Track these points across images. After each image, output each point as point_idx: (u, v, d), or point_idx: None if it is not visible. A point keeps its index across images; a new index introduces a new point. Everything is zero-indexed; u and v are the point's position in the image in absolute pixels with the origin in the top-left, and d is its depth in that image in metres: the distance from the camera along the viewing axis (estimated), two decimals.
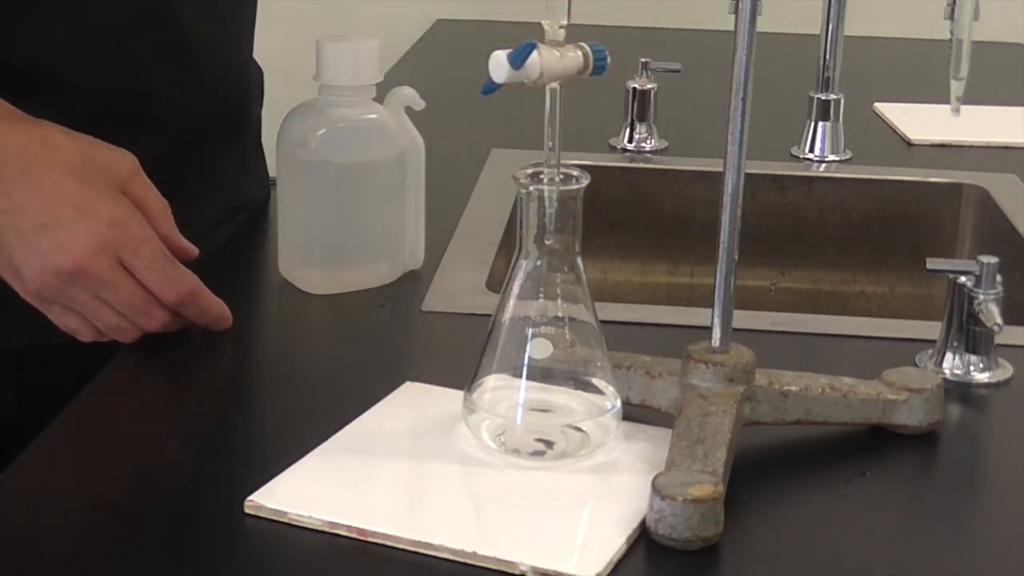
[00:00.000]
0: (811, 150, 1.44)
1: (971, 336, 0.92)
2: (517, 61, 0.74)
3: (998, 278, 0.91)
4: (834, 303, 1.40)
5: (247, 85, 1.16)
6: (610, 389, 0.80)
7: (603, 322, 0.81)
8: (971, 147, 1.49)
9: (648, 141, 1.45)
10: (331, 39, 1.01)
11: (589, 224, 0.81)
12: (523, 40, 0.75)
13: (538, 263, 0.79)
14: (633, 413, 0.82)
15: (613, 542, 0.71)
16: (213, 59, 1.07)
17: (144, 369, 0.93)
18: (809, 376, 0.83)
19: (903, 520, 0.77)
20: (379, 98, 1.02)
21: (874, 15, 2.07)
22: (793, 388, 0.82)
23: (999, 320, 0.90)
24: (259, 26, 1.18)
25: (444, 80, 1.72)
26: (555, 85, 0.76)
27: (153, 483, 0.78)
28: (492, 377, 0.80)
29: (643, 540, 0.72)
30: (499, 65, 0.74)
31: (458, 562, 0.70)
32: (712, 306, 0.81)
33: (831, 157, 1.43)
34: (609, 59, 0.77)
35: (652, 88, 1.45)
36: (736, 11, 0.78)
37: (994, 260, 0.91)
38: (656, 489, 0.72)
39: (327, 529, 0.73)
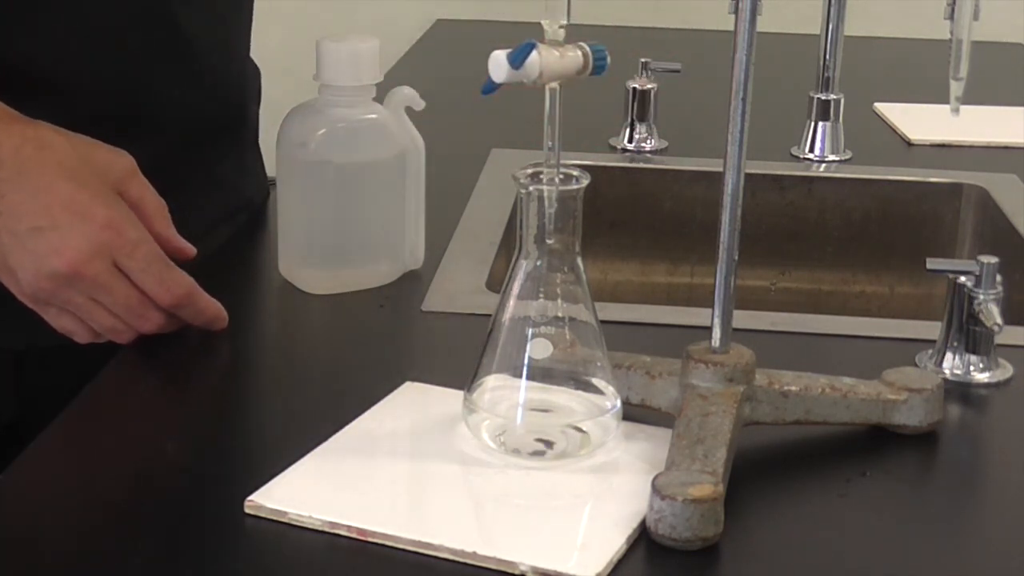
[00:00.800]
0: (811, 150, 1.44)
1: (971, 336, 0.92)
2: (517, 61, 0.74)
3: (998, 278, 0.91)
4: (834, 303, 1.40)
5: (246, 85, 1.16)
6: (610, 389, 0.80)
7: (603, 322, 0.81)
8: (971, 147, 1.49)
9: (648, 141, 1.45)
10: (331, 39, 1.01)
11: (589, 224, 0.81)
12: (523, 40, 0.75)
13: (538, 263, 0.79)
14: (633, 413, 0.82)
15: (613, 542, 0.71)
16: (212, 59, 1.07)
17: (144, 369, 0.93)
18: (809, 376, 0.83)
19: (903, 520, 0.77)
20: (379, 98, 1.02)
21: (874, 15, 2.06)
22: (793, 388, 0.82)
23: (999, 320, 0.90)
24: (258, 26, 1.18)
25: (444, 80, 1.72)
26: (555, 85, 0.76)
27: (153, 483, 0.78)
28: (492, 377, 0.80)
29: (643, 540, 0.72)
30: (499, 65, 0.74)
31: (458, 562, 0.70)
32: (712, 306, 0.81)
33: (831, 157, 1.43)
34: (609, 59, 0.77)
35: (652, 88, 1.45)
36: (736, 11, 0.78)
37: (994, 260, 0.91)
38: (656, 489, 0.72)
39: (327, 529, 0.73)
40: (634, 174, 1.42)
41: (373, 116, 1.02)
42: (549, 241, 0.79)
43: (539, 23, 0.76)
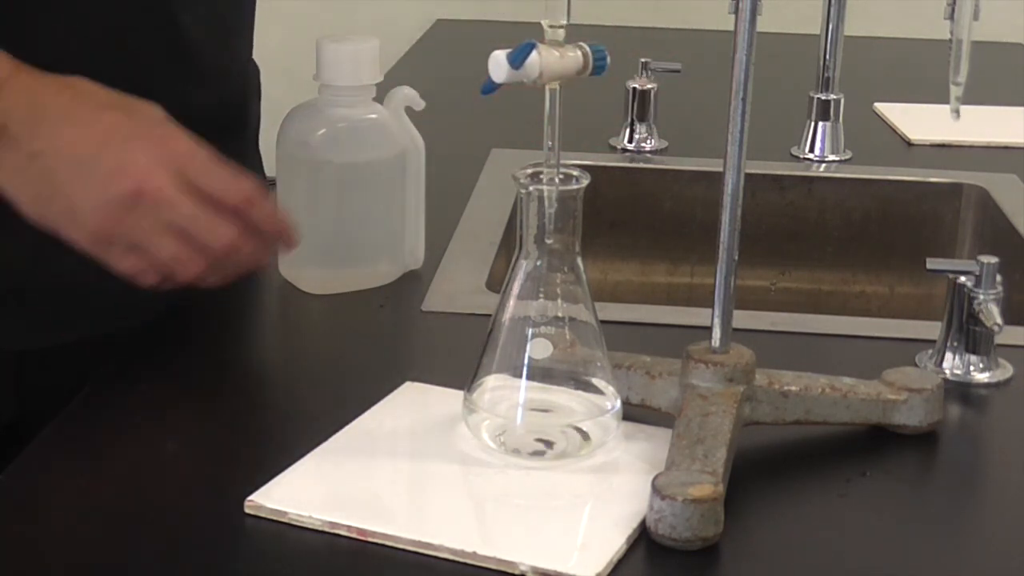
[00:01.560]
0: (811, 150, 1.44)
1: (971, 336, 0.92)
2: (517, 61, 0.74)
3: (998, 278, 0.91)
4: (834, 303, 1.40)
5: (246, 84, 1.16)
6: (610, 389, 0.80)
7: (603, 322, 0.81)
8: (971, 147, 1.49)
9: (648, 141, 1.45)
10: (331, 39, 1.01)
11: (589, 224, 0.81)
12: (523, 40, 0.75)
13: (538, 263, 0.79)
14: (633, 413, 0.82)
15: (613, 542, 0.71)
16: (213, 59, 1.06)
17: (144, 369, 0.93)
18: (809, 376, 0.83)
19: (903, 520, 0.77)
20: (379, 98, 1.02)
21: (874, 15, 2.06)
22: (793, 388, 0.82)
23: (999, 320, 0.90)
24: (258, 26, 1.18)
25: (444, 80, 1.72)
26: (555, 85, 0.76)
27: (153, 483, 0.78)
28: (492, 377, 0.80)
29: (643, 540, 0.72)
30: (499, 65, 0.74)
31: (458, 562, 0.70)
32: (712, 306, 0.81)
33: (831, 157, 1.43)
34: (609, 59, 0.77)
35: (652, 88, 1.45)
36: (736, 11, 0.78)
37: (994, 260, 0.91)
38: (656, 489, 0.72)
39: (327, 529, 0.73)
40: (634, 174, 1.42)
41: (373, 116, 1.02)
42: (549, 241, 0.79)
43: (539, 23, 0.76)
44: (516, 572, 0.69)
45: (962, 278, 0.92)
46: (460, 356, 0.86)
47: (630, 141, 1.45)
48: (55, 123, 0.84)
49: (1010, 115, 1.60)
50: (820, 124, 1.44)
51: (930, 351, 0.94)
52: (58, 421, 0.84)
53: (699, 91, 1.57)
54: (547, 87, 0.76)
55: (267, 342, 1.01)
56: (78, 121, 0.85)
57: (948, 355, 0.93)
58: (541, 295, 0.79)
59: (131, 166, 0.83)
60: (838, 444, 0.84)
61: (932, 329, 0.95)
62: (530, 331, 0.79)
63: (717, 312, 0.81)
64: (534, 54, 0.74)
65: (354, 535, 0.72)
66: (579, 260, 0.80)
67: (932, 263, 0.94)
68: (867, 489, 0.79)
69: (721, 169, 0.79)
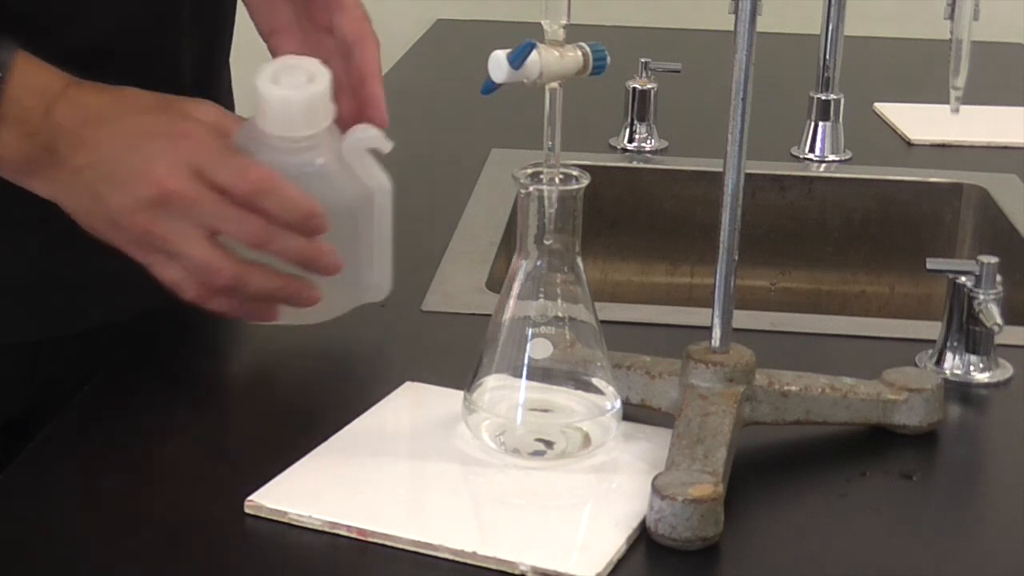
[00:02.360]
0: (811, 150, 1.44)
1: (971, 336, 0.92)
2: (517, 61, 0.74)
3: (998, 278, 0.91)
4: (834, 303, 1.40)
5: (229, 95, 1.15)
6: (610, 389, 0.80)
7: (603, 322, 0.81)
8: (971, 147, 1.49)
9: (648, 141, 1.45)
10: (267, 75, 0.87)
11: (589, 224, 0.81)
12: (523, 40, 0.75)
13: (538, 263, 0.79)
14: (633, 413, 0.82)
15: (613, 542, 0.71)
16: (196, 72, 1.05)
17: (145, 369, 0.93)
18: (809, 376, 0.83)
19: (903, 520, 0.77)
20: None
21: (874, 15, 2.06)
22: (793, 388, 0.82)
23: (999, 320, 0.90)
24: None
25: (444, 80, 1.72)
26: (555, 85, 0.76)
27: (153, 483, 0.78)
28: (492, 377, 0.80)
29: (643, 540, 0.72)
30: (499, 65, 0.74)
31: (458, 562, 0.70)
32: (712, 306, 0.81)
33: (831, 157, 1.43)
34: (609, 59, 0.77)
35: (652, 88, 1.45)
36: (736, 11, 0.78)
37: (994, 260, 0.91)
38: (656, 489, 0.72)
39: (327, 529, 0.73)
40: (634, 174, 1.42)
41: (318, 163, 0.88)
42: (549, 241, 0.79)
43: (539, 23, 0.76)
44: (516, 572, 0.69)
45: (962, 278, 0.92)
46: (460, 356, 0.86)
47: (630, 141, 1.45)
48: (95, 133, 0.85)
49: (1010, 115, 1.60)
50: (820, 124, 1.44)
51: (930, 351, 0.94)
52: (59, 421, 0.84)
53: (699, 91, 1.57)
54: (547, 87, 0.76)
55: (267, 342, 1.01)
56: (115, 129, 0.85)
57: (948, 355, 0.93)
58: (541, 295, 0.79)
59: (152, 169, 0.84)
60: (838, 444, 0.84)
61: (932, 329, 0.95)
62: (530, 331, 0.79)
63: (717, 312, 0.81)
64: (534, 54, 0.74)
65: (354, 535, 0.72)
66: (579, 260, 0.80)
67: (932, 263, 0.94)
68: (867, 489, 0.79)
69: (721, 169, 0.79)
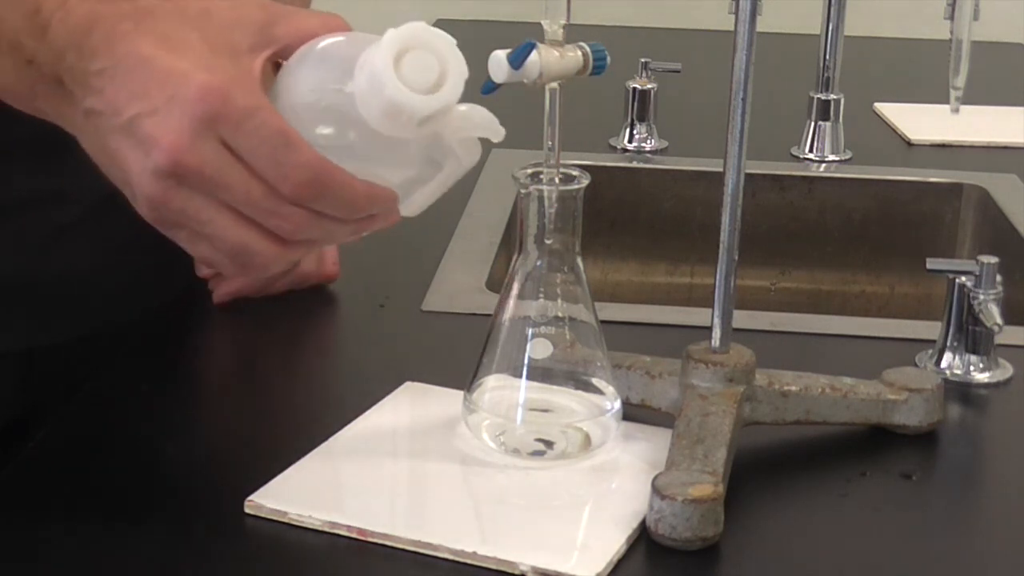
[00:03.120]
0: (811, 150, 1.44)
1: (971, 336, 0.92)
2: (517, 61, 0.74)
3: (998, 278, 0.91)
4: (834, 303, 1.40)
5: None
6: (610, 389, 0.80)
7: (603, 322, 0.81)
8: (971, 147, 1.49)
9: (648, 141, 1.45)
10: (392, 53, 0.76)
11: (589, 224, 0.81)
12: (523, 40, 0.75)
13: (538, 263, 0.79)
14: (633, 413, 0.82)
15: (613, 542, 0.71)
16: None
17: (144, 369, 0.93)
18: (809, 376, 0.83)
19: (903, 520, 0.77)
20: None
21: (874, 15, 2.06)
22: (793, 388, 0.82)
23: (999, 320, 0.90)
24: None
25: None
26: (555, 85, 0.76)
27: (153, 483, 0.78)
28: (492, 377, 0.80)
29: (643, 540, 0.72)
30: (499, 65, 0.74)
31: (458, 562, 0.70)
32: (712, 306, 0.81)
33: (831, 157, 1.43)
34: (609, 59, 0.77)
35: (652, 88, 1.45)
36: (736, 11, 0.78)
37: (994, 260, 0.91)
38: (656, 489, 0.71)
39: (327, 529, 0.73)
40: (634, 174, 1.42)
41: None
42: (549, 241, 0.79)
43: (539, 23, 0.76)
44: (516, 572, 0.69)
45: (962, 278, 0.92)
46: (460, 356, 0.86)
47: (630, 141, 1.45)
48: (104, 76, 0.68)
49: (1010, 115, 1.60)
50: (820, 124, 1.43)
51: (930, 351, 0.94)
52: (58, 421, 0.84)
53: (699, 91, 1.57)
54: (547, 87, 0.76)
55: (267, 342, 1.01)
56: (126, 71, 0.68)
57: (948, 355, 0.93)
58: (541, 295, 0.79)
59: (167, 135, 0.66)
60: (838, 444, 0.84)
61: (932, 329, 0.95)
62: (530, 331, 0.79)
63: (717, 312, 0.81)
64: (534, 54, 0.74)
65: (354, 535, 0.72)
66: (579, 260, 0.80)
67: (932, 263, 0.94)
68: (867, 489, 0.79)
69: (721, 169, 0.79)
